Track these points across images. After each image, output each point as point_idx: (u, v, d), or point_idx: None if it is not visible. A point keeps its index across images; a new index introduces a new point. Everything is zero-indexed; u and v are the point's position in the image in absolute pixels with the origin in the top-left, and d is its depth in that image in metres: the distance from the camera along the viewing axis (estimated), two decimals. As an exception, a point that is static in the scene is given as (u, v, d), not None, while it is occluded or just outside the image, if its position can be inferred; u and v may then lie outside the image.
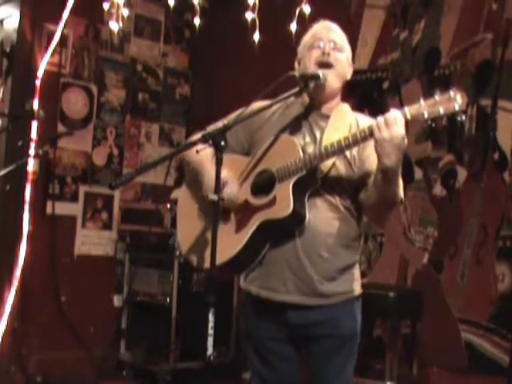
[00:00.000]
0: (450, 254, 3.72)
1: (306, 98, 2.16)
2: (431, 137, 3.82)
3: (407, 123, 1.83)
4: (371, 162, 2.00)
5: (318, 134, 2.09)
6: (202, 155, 2.09)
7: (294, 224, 2.01)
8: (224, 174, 2.07)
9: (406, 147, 1.86)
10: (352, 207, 2.10)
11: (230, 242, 2.07)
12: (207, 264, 2.03)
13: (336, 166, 2.03)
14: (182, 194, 2.32)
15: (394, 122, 1.80)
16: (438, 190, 3.82)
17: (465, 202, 3.69)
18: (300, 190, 2.00)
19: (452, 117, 1.81)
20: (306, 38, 2.19)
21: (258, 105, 2.12)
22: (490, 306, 3.51)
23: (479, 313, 3.55)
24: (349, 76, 2.17)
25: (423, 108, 1.80)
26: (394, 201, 1.99)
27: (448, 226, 3.77)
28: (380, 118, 1.83)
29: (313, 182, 2.02)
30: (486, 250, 3.57)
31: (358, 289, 2.15)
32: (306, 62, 2.12)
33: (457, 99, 1.77)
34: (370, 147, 1.97)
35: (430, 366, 3.69)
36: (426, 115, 1.80)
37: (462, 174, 3.72)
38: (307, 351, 2.14)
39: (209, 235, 2.05)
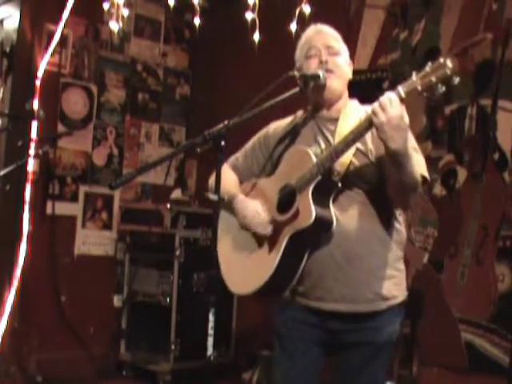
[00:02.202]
0: (450, 254, 3.71)
1: (311, 106, 2.18)
2: (431, 137, 3.82)
3: (404, 101, 1.82)
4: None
5: (330, 139, 2.09)
6: (227, 184, 2.13)
7: (321, 230, 2.00)
8: (256, 206, 2.14)
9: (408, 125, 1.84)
10: (381, 199, 2.07)
11: (266, 263, 2.06)
12: (247, 290, 2.09)
13: (353, 163, 2.02)
14: (221, 217, 2.30)
15: (389, 104, 1.80)
16: (438, 189, 3.81)
17: (465, 202, 3.69)
18: (321, 195, 1.99)
19: (446, 82, 1.77)
20: (301, 44, 2.19)
21: (272, 126, 2.19)
22: (490, 306, 3.51)
23: (479, 313, 3.55)
24: (350, 75, 2.18)
25: (415, 82, 1.80)
26: (414, 182, 1.95)
27: (448, 226, 3.77)
28: (375, 104, 1.83)
29: (332, 184, 2.01)
30: (486, 250, 3.57)
31: (400, 295, 2.13)
32: (305, 71, 2.12)
33: (447, 64, 1.76)
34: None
35: (430, 365, 3.69)
36: (419, 88, 1.79)
37: (462, 174, 3.72)
38: (342, 357, 2.12)
39: (245, 261, 2.10)
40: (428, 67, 1.79)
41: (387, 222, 2.10)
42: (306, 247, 2.03)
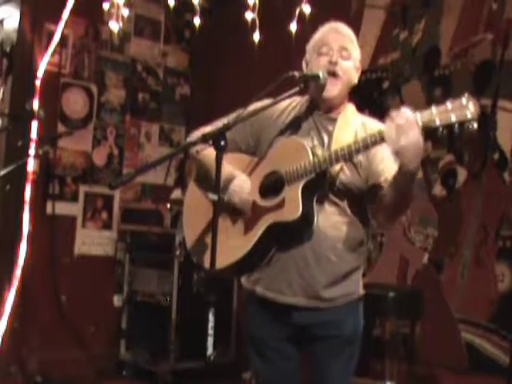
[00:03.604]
0: (450, 254, 3.71)
1: (311, 101, 2.16)
2: (431, 137, 3.82)
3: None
4: (379, 172, 2.00)
5: (325, 138, 2.09)
6: (212, 155, 2.08)
7: (302, 227, 2.00)
8: (238, 174, 2.10)
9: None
10: (360, 211, 2.10)
11: (238, 243, 2.06)
12: (207, 264, 2.01)
13: (344, 170, 2.03)
14: (189, 194, 2.31)
15: (409, 128, 1.76)
16: (438, 189, 3.82)
17: (465, 202, 3.69)
18: (309, 193, 1.99)
19: (464, 124, 1.75)
20: (315, 39, 2.17)
21: (263, 103, 2.11)
22: (490, 306, 3.51)
23: (479, 313, 3.55)
24: (356, 80, 2.16)
25: (435, 115, 1.76)
26: (411, 197, 1.98)
27: (448, 225, 3.77)
28: (393, 126, 1.80)
29: (321, 185, 2.01)
30: (486, 250, 3.57)
31: (360, 290, 2.16)
32: (313, 67, 2.11)
33: (469, 107, 1.73)
34: (377, 158, 1.99)
35: (430, 366, 3.69)
36: (437, 122, 1.76)
37: (461, 174, 3.72)
38: (309, 351, 2.14)
39: (218, 237, 2.05)
40: (449, 104, 1.75)
41: (362, 233, 2.12)
42: (281, 238, 2.04)
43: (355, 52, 2.14)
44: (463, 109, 1.74)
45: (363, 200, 2.09)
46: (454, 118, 1.75)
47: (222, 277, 2.00)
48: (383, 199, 2.01)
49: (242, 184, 2.11)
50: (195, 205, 2.24)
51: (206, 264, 2.05)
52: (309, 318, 2.07)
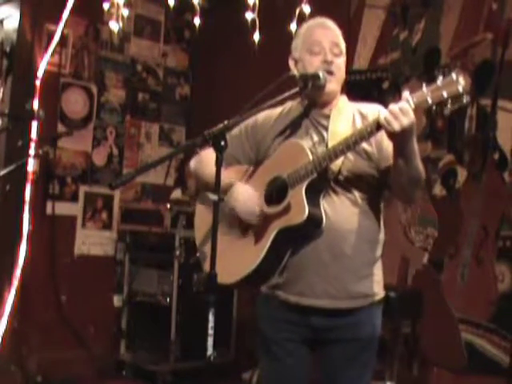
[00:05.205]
0: (450, 254, 3.71)
1: (306, 101, 2.16)
2: (431, 137, 3.82)
3: (413, 111, 1.81)
4: (389, 155, 1.98)
5: (324, 133, 2.09)
6: (210, 165, 2.04)
7: (311, 228, 1.99)
8: (238, 183, 2.08)
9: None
10: (372, 199, 2.08)
11: (250, 254, 2.04)
12: (228, 279, 2.03)
13: (347, 157, 2.01)
14: (199, 205, 2.29)
15: (401, 113, 1.79)
16: (438, 189, 3.82)
17: (465, 202, 3.69)
18: (313, 193, 1.99)
19: (456, 99, 1.77)
20: (302, 36, 2.16)
21: (262, 115, 2.13)
22: (490, 306, 3.51)
23: (479, 313, 3.55)
24: (344, 75, 2.17)
25: (426, 94, 1.78)
26: (420, 176, 1.97)
27: (448, 226, 3.77)
28: (386, 113, 1.82)
29: (325, 183, 2.01)
30: (486, 250, 3.57)
31: (380, 292, 2.13)
32: (307, 66, 2.11)
33: (459, 81, 1.75)
34: (384, 142, 1.99)
35: (430, 366, 3.69)
36: (430, 101, 1.78)
37: (462, 174, 3.72)
38: (325, 354, 2.11)
39: (226, 250, 2.03)
40: (439, 81, 1.77)
41: (376, 222, 2.11)
42: (293, 242, 2.03)
43: (343, 46, 2.16)
44: (454, 84, 1.75)
45: (377, 187, 2.08)
46: (445, 94, 1.76)
47: (237, 289, 1.99)
48: (392, 185, 2.02)
49: (242, 193, 2.09)
50: (206, 216, 2.20)
51: (224, 279, 1.98)
52: (328, 320, 2.04)
